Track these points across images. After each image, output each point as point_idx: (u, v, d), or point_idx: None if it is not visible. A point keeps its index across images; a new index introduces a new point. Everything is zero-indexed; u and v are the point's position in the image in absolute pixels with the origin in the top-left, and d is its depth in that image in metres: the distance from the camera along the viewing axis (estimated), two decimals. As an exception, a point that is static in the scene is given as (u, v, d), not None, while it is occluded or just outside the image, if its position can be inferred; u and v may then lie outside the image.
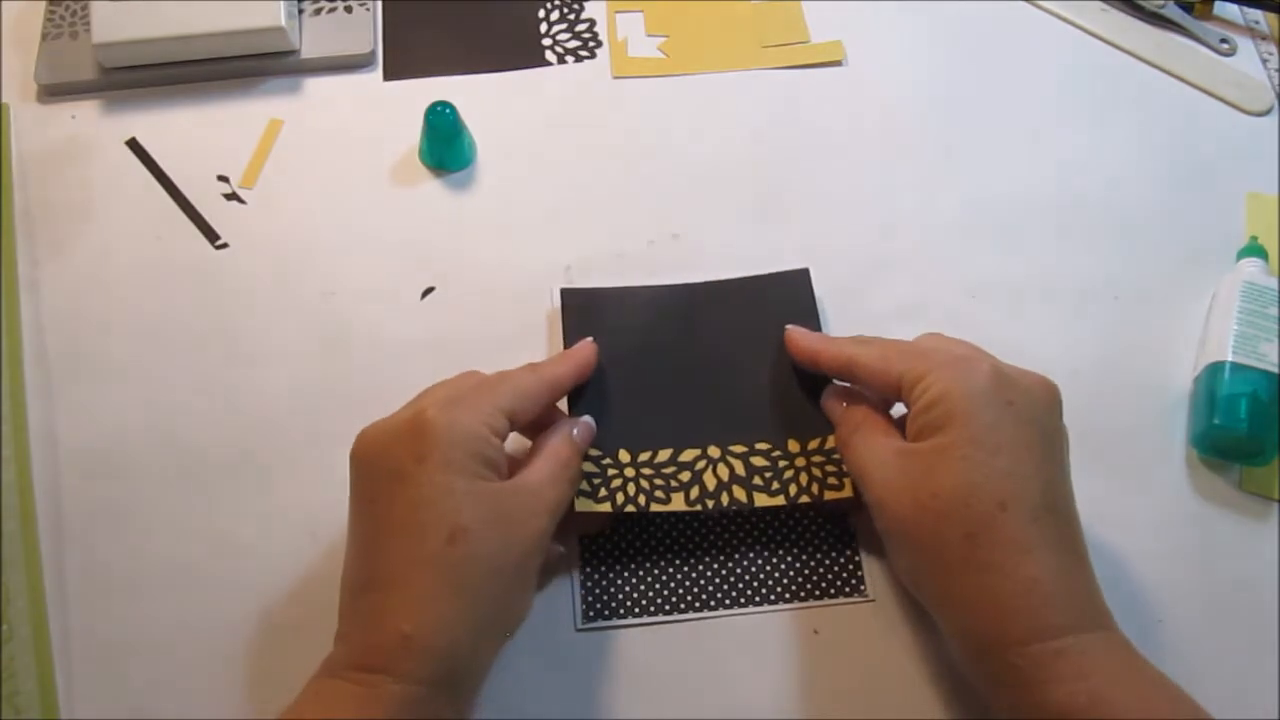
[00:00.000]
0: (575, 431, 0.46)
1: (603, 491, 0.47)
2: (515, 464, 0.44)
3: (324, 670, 0.40)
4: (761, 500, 0.47)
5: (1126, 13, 0.66)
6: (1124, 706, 0.37)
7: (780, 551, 0.48)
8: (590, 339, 0.50)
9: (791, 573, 0.48)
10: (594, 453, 0.48)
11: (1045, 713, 0.37)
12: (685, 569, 0.48)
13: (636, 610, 0.47)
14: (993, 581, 0.39)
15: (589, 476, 0.47)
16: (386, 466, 0.41)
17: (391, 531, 0.40)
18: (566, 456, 0.45)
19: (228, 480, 0.50)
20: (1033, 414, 0.42)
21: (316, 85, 0.63)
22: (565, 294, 0.54)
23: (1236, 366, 0.50)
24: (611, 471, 0.48)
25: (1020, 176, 0.60)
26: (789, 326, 0.51)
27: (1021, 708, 0.38)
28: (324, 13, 0.64)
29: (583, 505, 0.46)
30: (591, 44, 0.65)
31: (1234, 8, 0.66)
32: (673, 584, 0.48)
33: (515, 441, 0.47)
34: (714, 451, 0.49)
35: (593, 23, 0.65)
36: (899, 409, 0.47)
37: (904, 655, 0.46)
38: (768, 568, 0.48)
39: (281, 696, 0.39)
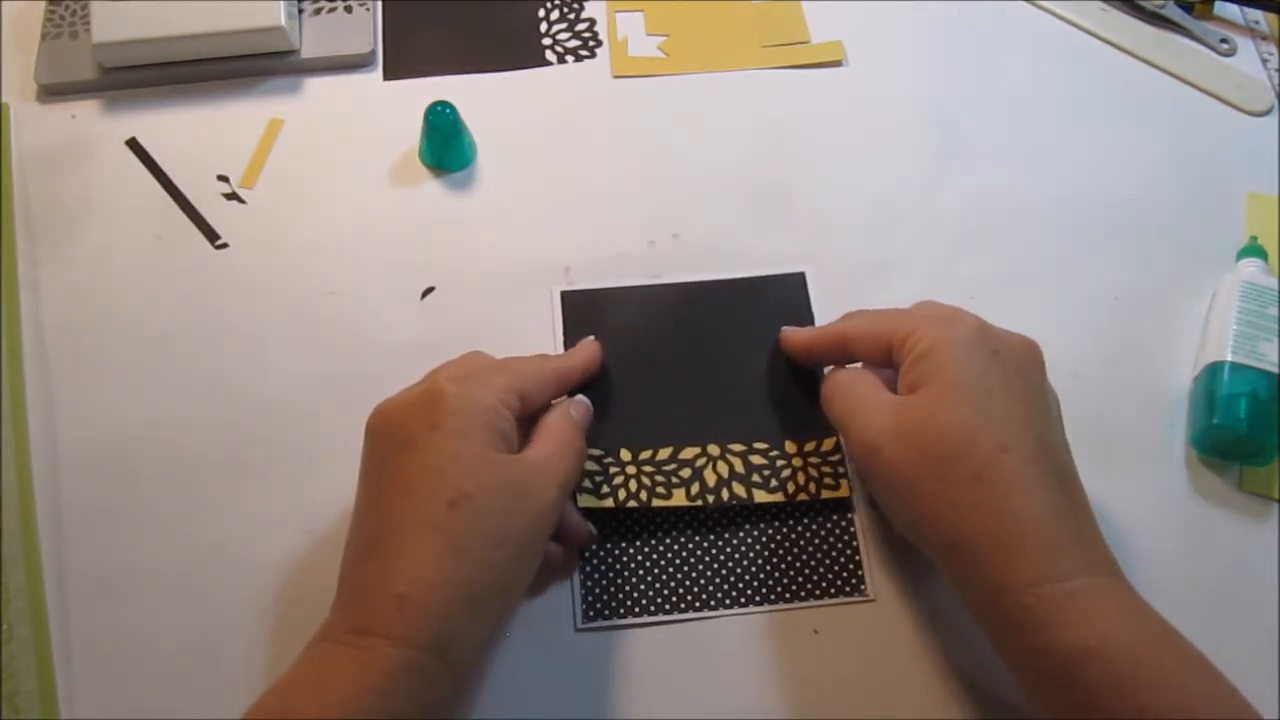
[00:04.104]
0: (573, 410, 0.47)
1: (605, 488, 0.47)
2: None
3: (319, 636, 0.40)
4: (761, 497, 0.48)
5: (1126, 13, 0.66)
6: (1134, 651, 0.37)
7: (780, 551, 0.48)
8: (592, 337, 0.51)
9: (791, 572, 0.48)
10: (595, 452, 0.48)
11: (1056, 655, 0.37)
12: (685, 569, 0.48)
13: (636, 610, 0.47)
14: (1001, 523, 0.39)
15: (591, 474, 0.48)
16: (399, 435, 0.41)
17: (395, 496, 0.40)
18: (568, 431, 0.45)
19: (227, 479, 0.50)
20: (1017, 365, 0.43)
21: (316, 85, 0.63)
22: (565, 296, 0.54)
23: (1236, 366, 0.50)
24: (614, 470, 0.48)
25: (1020, 177, 0.60)
26: (783, 328, 0.51)
27: (1032, 651, 0.38)
28: (324, 13, 0.64)
29: (585, 501, 0.47)
30: (591, 43, 0.65)
31: (1234, 8, 0.66)
32: (673, 584, 0.48)
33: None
34: (714, 449, 0.49)
35: (593, 22, 0.65)
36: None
37: (904, 655, 0.46)
38: (768, 568, 0.48)
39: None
